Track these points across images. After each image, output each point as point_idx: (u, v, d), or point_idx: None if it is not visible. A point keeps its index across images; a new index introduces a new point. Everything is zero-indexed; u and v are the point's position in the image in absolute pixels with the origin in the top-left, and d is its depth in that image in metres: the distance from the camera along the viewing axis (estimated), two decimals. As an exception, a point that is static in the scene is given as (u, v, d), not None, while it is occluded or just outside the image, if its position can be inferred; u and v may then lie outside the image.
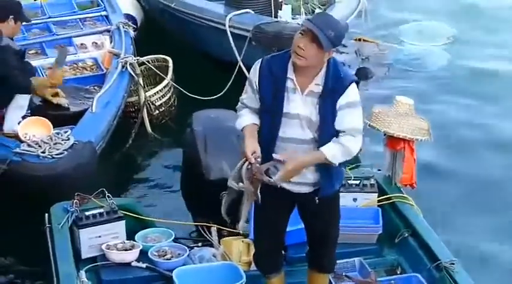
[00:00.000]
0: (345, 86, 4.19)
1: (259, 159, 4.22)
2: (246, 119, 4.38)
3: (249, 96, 4.38)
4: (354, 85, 4.23)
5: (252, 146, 4.25)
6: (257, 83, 4.29)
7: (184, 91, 7.93)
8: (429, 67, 9.35)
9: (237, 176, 4.33)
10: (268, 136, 4.30)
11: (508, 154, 7.58)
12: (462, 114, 8.41)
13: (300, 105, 4.22)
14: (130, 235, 5.28)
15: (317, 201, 4.37)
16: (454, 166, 7.43)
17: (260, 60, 4.32)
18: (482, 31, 10.34)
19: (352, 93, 4.21)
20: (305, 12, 8.58)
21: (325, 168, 4.32)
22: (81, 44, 8.14)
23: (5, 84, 6.25)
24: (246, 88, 4.41)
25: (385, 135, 5.50)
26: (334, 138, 4.23)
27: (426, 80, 9.19)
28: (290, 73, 4.21)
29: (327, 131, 4.23)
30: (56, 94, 6.73)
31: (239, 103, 4.46)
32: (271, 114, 4.27)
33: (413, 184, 5.58)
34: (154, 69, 8.13)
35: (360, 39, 9.43)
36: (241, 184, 4.31)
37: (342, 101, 4.19)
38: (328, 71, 4.19)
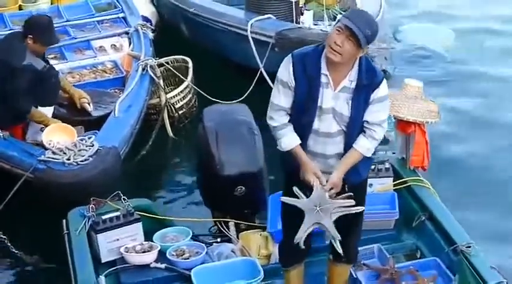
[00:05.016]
0: (379, 81, 4.28)
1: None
2: (293, 139, 4.35)
3: (284, 96, 4.31)
4: (385, 80, 4.31)
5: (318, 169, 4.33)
6: (293, 81, 4.26)
7: (205, 95, 7.75)
8: (428, 68, 9.12)
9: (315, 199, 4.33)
10: (302, 130, 4.33)
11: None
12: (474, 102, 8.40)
13: (333, 100, 4.25)
14: (148, 235, 5.29)
15: (346, 188, 4.38)
16: (471, 149, 7.42)
17: (290, 57, 4.29)
18: (483, 33, 10.10)
19: (384, 88, 4.31)
20: (327, 19, 8.43)
21: None
22: (100, 47, 8.10)
23: (7, 103, 6.24)
24: (277, 89, 4.34)
25: (395, 118, 5.47)
26: (364, 132, 4.32)
27: (426, 80, 8.99)
28: (324, 69, 4.22)
29: (356, 125, 4.31)
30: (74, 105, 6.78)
31: (273, 111, 4.35)
32: (305, 108, 4.29)
33: (425, 166, 5.53)
34: (174, 71, 8.03)
35: None
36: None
37: (375, 96, 4.27)
38: (361, 67, 4.23)
